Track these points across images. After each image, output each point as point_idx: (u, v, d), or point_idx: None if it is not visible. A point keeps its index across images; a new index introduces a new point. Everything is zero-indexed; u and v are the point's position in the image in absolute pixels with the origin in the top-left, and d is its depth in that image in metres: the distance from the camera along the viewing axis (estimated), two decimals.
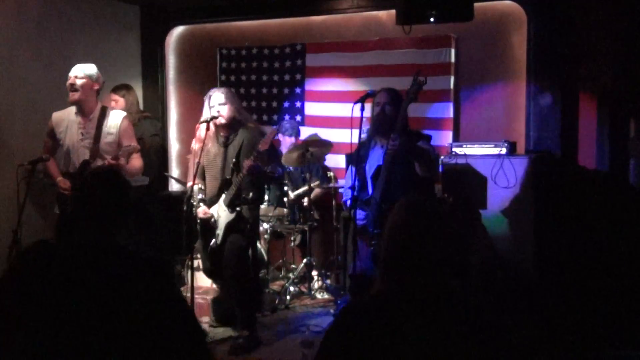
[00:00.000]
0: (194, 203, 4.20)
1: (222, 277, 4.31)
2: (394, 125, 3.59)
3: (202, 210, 4.19)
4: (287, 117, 6.00)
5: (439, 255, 1.76)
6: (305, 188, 5.16)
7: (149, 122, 5.54)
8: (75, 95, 4.09)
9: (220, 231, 4.16)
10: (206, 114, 4.17)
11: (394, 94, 3.82)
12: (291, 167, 5.63)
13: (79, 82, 4.09)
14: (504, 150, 4.67)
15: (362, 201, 3.69)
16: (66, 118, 4.20)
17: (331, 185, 5.30)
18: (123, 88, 5.35)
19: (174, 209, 5.74)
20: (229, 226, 4.13)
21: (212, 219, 4.18)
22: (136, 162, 4.21)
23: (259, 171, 4.04)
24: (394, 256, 1.79)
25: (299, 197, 5.28)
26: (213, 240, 4.22)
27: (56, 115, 4.24)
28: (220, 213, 4.15)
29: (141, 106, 5.94)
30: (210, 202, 4.20)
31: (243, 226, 4.18)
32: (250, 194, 4.16)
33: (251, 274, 4.43)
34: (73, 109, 4.20)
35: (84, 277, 1.66)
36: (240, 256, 4.17)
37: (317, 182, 5.29)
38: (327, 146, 5.20)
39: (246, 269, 4.25)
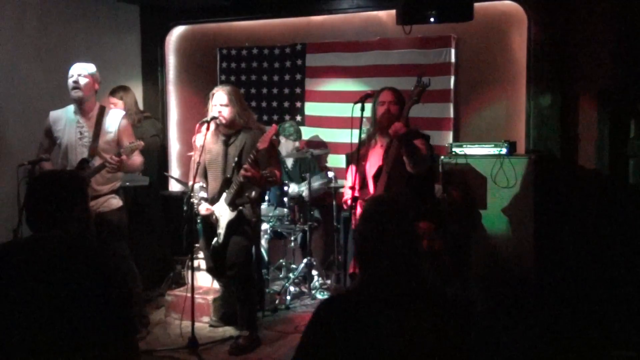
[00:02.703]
0: (195, 202, 4.20)
1: (225, 276, 4.31)
2: None
3: (204, 208, 4.19)
4: (287, 117, 6.00)
5: (406, 248, 1.78)
6: (304, 188, 5.16)
7: (150, 123, 5.54)
8: (79, 93, 4.09)
9: (221, 230, 4.16)
10: (209, 112, 4.17)
11: (398, 93, 3.82)
12: (290, 166, 5.64)
13: (82, 80, 4.09)
14: (504, 150, 4.67)
15: (363, 201, 3.69)
16: (64, 117, 4.20)
17: (331, 185, 5.30)
18: (120, 90, 5.34)
19: (174, 209, 5.75)
20: (230, 225, 4.13)
21: (214, 217, 4.18)
22: (137, 158, 4.21)
23: (254, 182, 4.03)
24: (364, 250, 1.83)
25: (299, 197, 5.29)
26: (215, 240, 4.22)
27: (54, 114, 4.24)
28: (222, 212, 4.16)
29: (141, 106, 5.94)
30: (212, 201, 4.20)
31: (245, 225, 4.17)
32: (253, 192, 4.15)
33: (254, 274, 4.43)
34: (71, 107, 4.20)
35: (29, 267, 1.93)
36: (244, 256, 4.18)
37: (318, 182, 5.31)
38: (326, 150, 5.20)
39: (249, 269, 4.26)
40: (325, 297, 4.90)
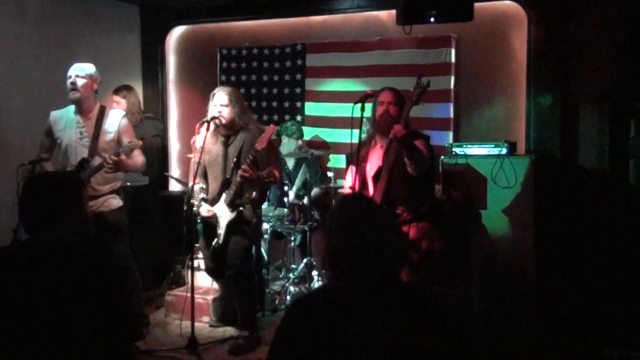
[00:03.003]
0: (195, 203, 4.20)
1: (225, 277, 4.31)
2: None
3: (205, 209, 4.19)
4: (287, 117, 6.00)
5: (372, 247, 1.79)
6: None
7: (151, 123, 5.54)
8: (76, 94, 4.10)
9: (221, 231, 4.16)
10: (210, 112, 4.17)
11: (397, 93, 3.81)
12: (291, 167, 5.64)
13: (80, 81, 4.10)
14: (504, 151, 4.67)
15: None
16: (64, 117, 4.21)
17: (331, 185, 5.30)
18: (124, 89, 5.35)
19: (174, 209, 5.75)
20: (230, 226, 4.14)
21: (215, 218, 4.18)
22: (138, 158, 4.21)
23: (252, 182, 4.03)
24: (333, 247, 1.84)
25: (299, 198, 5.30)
26: (215, 240, 4.22)
27: (54, 114, 4.25)
28: (222, 213, 4.16)
29: (141, 106, 5.94)
30: (213, 202, 4.20)
31: (244, 226, 4.17)
32: (254, 193, 4.15)
33: (254, 274, 4.43)
34: (72, 108, 4.21)
35: (26, 271, 1.95)
36: (244, 256, 4.18)
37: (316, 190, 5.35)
38: (326, 151, 5.19)
39: (249, 269, 4.26)
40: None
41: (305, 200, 5.20)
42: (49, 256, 2.00)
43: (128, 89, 5.39)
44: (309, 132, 5.90)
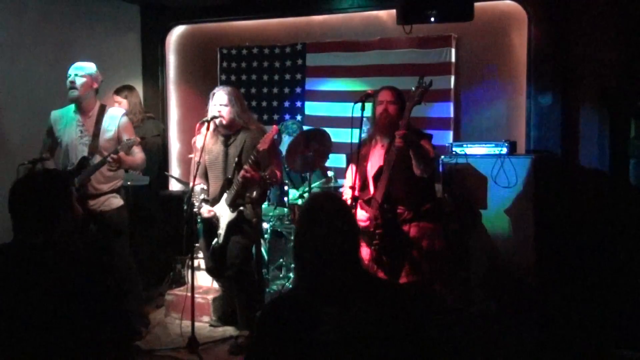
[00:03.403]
0: (196, 203, 4.20)
1: (225, 276, 4.31)
2: (397, 125, 3.58)
3: (206, 210, 4.18)
4: (287, 116, 6.00)
5: (336, 248, 1.79)
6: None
7: (152, 123, 5.54)
8: (75, 93, 4.10)
9: (222, 231, 4.16)
10: (210, 111, 4.17)
11: (397, 92, 3.80)
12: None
13: (79, 80, 4.10)
14: (504, 150, 4.67)
15: (363, 201, 3.68)
16: (65, 116, 4.21)
17: (331, 184, 5.29)
18: (125, 89, 5.35)
19: (174, 209, 5.75)
20: (231, 226, 4.13)
21: (215, 218, 4.17)
22: (138, 155, 4.21)
23: (253, 183, 4.03)
24: (301, 246, 1.85)
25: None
26: (215, 240, 4.22)
27: (55, 114, 4.25)
28: (223, 212, 4.15)
29: (142, 106, 5.93)
30: (214, 202, 4.20)
31: (245, 225, 4.17)
32: (254, 193, 4.15)
33: (254, 274, 4.43)
34: (72, 107, 4.21)
35: (19, 273, 1.94)
36: (244, 256, 4.17)
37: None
38: (328, 141, 5.14)
39: (249, 269, 4.25)
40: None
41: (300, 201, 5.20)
42: (39, 257, 1.99)
43: (129, 89, 5.39)
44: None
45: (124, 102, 5.26)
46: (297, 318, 1.72)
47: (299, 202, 5.35)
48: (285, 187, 5.25)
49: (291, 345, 1.69)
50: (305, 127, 5.78)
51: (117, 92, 5.32)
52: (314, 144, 5.03)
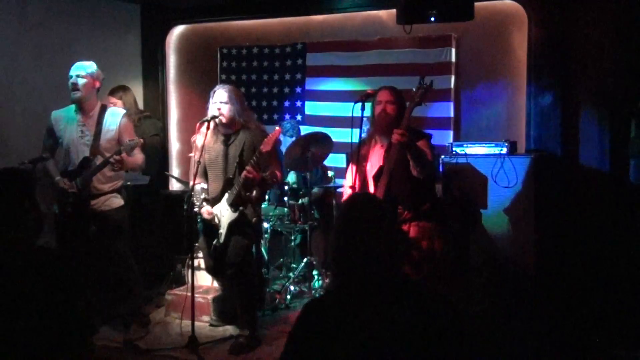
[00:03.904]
0: (196, 203, 4.19)
1: (225, 276, 4.31)
2: (397, 125, 3.58)
3: (206, 210, 4.18)
4: (287, 116, 6.00)
5: (377, 249, 1.79)
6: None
7: (150, 122, 5.53)
8: (77, 94, 4.10)
9: (223, 230, 4.16)
10: (209, 110, 4.17)
11: (396, 92, 3.79)
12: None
13: (80, 80, 4.10)
14: (504, 150, 4.67)
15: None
16: (66, 116, 4.21)
17: (331, 184, 5.30)
18: (120, 90, 5.34)
19: (174, 208, 5.75)
20: (232, 225, 4.13)
21: (216, 219, 4.17)
22: (138, 156, 4.22)
23: (254, 183, 4.03)
24: (339, 250, 1.85)
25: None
26: (216, 240, 4.22)
27: (56, 114, 4.25)
28: (223, 212, 4.15)
29: (141, 105, 5.94)
30: (214, 202, 4.20)
31: (246, 225, 4.17)
32: (254, 192, 4.15)
33: (254, 273, 4.43)
34: (73, 107, 4.21)
35: None
36: (244, 255, 4.17)
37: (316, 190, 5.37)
38: (328, 146, 5.18)
39: (249, 268, 4.25)
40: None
41: (301, 201, 5.21)
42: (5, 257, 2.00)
43: (124, 89, 5.38)
44: (307, 131, 5.89)
45: (119, 102, 5.25)
46: (336, 317, 1.72)
47: (300, 201, 5.36)
48: (285, 187, 5.25)
49: (326, 347, 1.69)
50: (301, 127, 5.78)
51: (112, 92, 5.31)
52: (313, 148, 5.04)
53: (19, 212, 2.11)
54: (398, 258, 1.85)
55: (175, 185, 6.37)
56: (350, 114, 3.71)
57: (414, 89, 3.59)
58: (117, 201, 4.23)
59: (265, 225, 5.19)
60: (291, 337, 1.79)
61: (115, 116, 4.21)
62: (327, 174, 5.43)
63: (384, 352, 1.66)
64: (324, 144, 5.13)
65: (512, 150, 4.74)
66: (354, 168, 3.79)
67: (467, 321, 1.88)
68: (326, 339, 1.70)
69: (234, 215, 4.10)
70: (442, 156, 4.81)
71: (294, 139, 5.56)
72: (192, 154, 4.36)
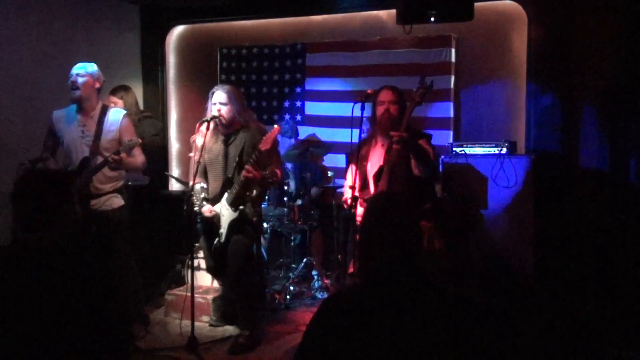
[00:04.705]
0: (197, 202, 4.19)
1: (225, 276, 4.31)
2: (398, 125, 3.58)
3: (207, 209, 4.18)
4: (287, 116, 6.00)
5: (402, 247, 1.80)
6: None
7: (150, 122, 5.53)
8: (76, 93, 4.10)
9: (223, 230, 4.16)
10: (209, 110, 4.17)
11: (397, 92, 3.80)
12: (290, 167, 5.63)
13: (80, 80, 4.10)
14: (504, 150, 4.67)
15: (363, 200, 3.68)
16: (66, 116, 4.21)
17: (330, 184, 5.30)
18: (121, 90, 5.34)
19: (174, 208, 5.75)
20: (232, 225, 4.13)
21: (216, 218, 4.17)
22: (138, 157, 4.21)
23: (254, 182, 4.03)
24: (365, 247, 1.85)
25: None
26: (216, 240, 4.22)
27: (56, 114, 4.25)
28: (223, 212, 4.15)
29: (141, 105, 5.94)
30: (214, 201, 4.20)
31: (246, 225, 4.17)
32: (254, 191, 4.15)
33: (254, 273, 4.42)
34: (73, 107, 4.21)
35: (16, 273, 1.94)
36: (245, 255, 4.17)
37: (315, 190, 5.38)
38: (324, 148, 5.20)
39: (250, 268, 4.25)
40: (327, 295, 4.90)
41: (299, 202, 5.21)
42: (33, 257, 1.99)
43: (125, 89, 5.38)
44: (309, 132, 5.90)
45: (120, 102, 5.25)
46: (360, 315, 1.70)
47: (299, 201, 5.35)
48: (285, 187, 5.26)
49: (348, 340, 1.68)
50: (301, 127, 5.78)
51: (113, 92, 5.31)
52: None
53: (58, 214, 2.10)
54: (422, 257, 1.86)
55: (175, 186, 6.37)
56: (350, 114, 3.71)
57: (414, 89, 3.60)
58: (118, 201, 4.23)
59: (265, 225, 5.19)
60: (309, 332, 1.78)
61: (116, 116, 4.21)
62: (327, 174, 5.43)
63: (408, 353, 1.66)
64: (321, 145, 5.16)
65: (512, 150, 4.74)
66: (354, 168, 3.80)
67: (489, 322, 1.88)
68: (347, 337, 1.68)
69: (234, 214, 4.10)
70: (442, 156, 4.82)
71: (292, 140, 5.57)
72: (192, 154, 4.36)
